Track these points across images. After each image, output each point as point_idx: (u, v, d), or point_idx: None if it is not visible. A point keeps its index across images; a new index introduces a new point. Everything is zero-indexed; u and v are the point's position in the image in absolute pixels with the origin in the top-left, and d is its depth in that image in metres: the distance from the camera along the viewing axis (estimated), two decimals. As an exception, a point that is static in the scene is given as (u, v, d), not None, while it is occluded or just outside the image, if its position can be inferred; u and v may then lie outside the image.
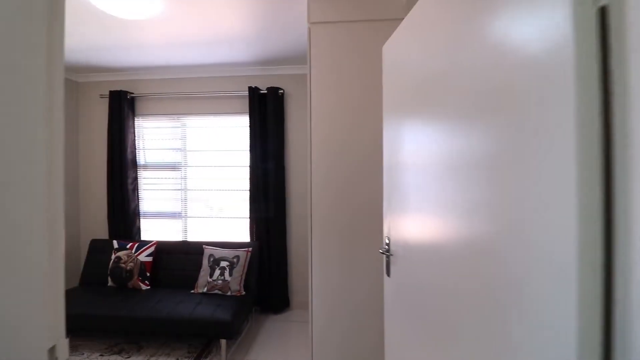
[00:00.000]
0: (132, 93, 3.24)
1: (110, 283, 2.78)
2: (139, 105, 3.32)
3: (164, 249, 2.96)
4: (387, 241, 1.25)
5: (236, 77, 3.21)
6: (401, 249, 1.11)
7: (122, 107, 3.17)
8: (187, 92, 3.24)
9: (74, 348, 2.41)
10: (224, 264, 2.67)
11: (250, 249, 2.79)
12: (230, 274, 2.63)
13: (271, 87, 3.05)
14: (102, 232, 3.37)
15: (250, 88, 3.03)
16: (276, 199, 3.03)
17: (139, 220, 3.29)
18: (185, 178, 3.30)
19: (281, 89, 3.08)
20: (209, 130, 3.27)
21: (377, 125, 1.85)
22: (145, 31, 2.30)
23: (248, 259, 2.74)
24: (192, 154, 3.29)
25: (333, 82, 1.90)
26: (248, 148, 3.09)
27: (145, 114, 3.32)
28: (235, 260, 2.69)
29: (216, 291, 2.61)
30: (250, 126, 3.03)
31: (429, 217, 0.91)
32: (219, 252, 2.73)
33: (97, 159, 3.39)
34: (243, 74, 3.19)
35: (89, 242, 3.21)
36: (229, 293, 2.60)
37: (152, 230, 3.35)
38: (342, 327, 1.86)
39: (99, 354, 2.34)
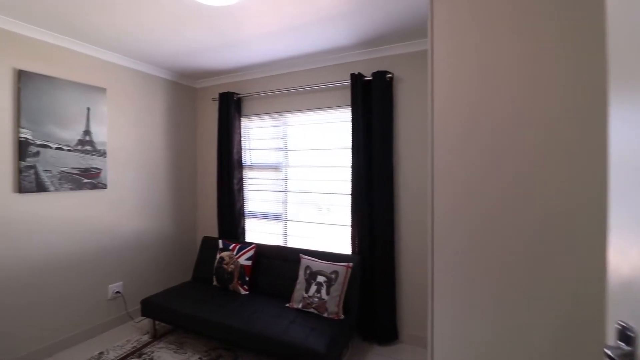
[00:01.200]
0: (238, 94, 3.25)
1: (214, 282, 2.80)
2: (244, 106, 3.32)
3: (263, 253, 2.83)
4: (631, 334, 0.57)
5: (336, 66, 2.83)
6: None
7: (229, 109, 3.21)
8: (287, 87, 3.05)
9: (180, 345, 2.47)
10: (320, 279, 2.33)
11: (350, 264, 2.36)
12: (328, 292, 2.26)
13: (377, 71, 2.54)
14: (215, 230, 3.52)
15: (352, 75, 2.60)
16: (382, 205, 2.52)
17: (244, 221, 3.29)
18: (286, 179, 3.13)
19: (389, 73, 2.54)
20: (309, 127, 3.00)
21: (546, 105, 1.15)
22: (239, 22, 2.14)
23: (348, 276, 2.32)
24: (293, 154, 3.09)
25: (468, 52, 1.28)
26: (350, 146, 2.67)
27: (249, 114, 3.30)
28: (333, 276, 2.31)
29: (312, 310, 2.28)
30: (352, 120, 2.60)
31: None
32: (316, 265, 2.41)
33: (211, 159, 3.56)
34: (344, 61, 2.78)
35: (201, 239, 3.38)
36: (325, 314, 2.23)
37: (255, 231, 3.31)
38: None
39: (198, 356, 2.31)
